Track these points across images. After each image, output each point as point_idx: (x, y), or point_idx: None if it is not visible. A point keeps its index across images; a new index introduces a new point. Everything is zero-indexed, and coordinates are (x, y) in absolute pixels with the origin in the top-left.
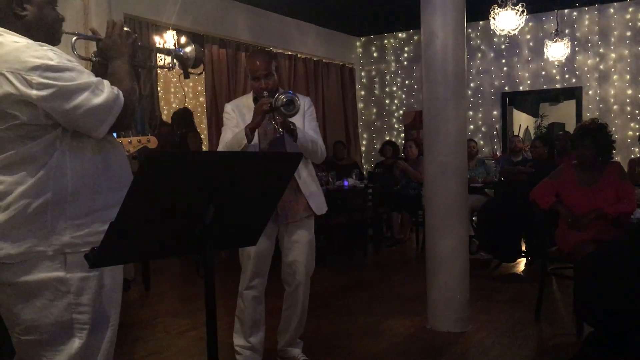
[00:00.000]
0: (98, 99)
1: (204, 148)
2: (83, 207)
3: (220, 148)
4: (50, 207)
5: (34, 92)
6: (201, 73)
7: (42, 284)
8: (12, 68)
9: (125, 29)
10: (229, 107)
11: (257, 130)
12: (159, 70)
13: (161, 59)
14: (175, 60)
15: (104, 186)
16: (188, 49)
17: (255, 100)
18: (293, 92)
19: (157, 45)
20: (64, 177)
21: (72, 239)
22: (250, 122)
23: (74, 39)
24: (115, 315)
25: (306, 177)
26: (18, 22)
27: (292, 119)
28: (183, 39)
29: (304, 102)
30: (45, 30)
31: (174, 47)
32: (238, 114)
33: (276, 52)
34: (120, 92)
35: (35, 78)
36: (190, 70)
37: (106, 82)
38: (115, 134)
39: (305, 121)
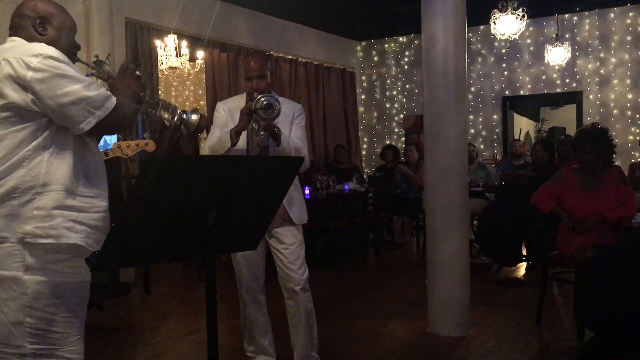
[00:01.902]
0: (90, 92)
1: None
2: (51, 201)
3: (205, 148)
4: (19, 194)
5: (30, 74)
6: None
7: None
8: (16, 54)
9: (136, 72)
10: (220, 107)
11: (246, 137)
12: (159, 74)
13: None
14: (177, 121)
15: (76, 189)
16: (193, 117)
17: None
18: (275, 97)
19: (160, 48)
20: (39, 168)
21: (35, 229)
22: (237, 124)
23: (87, 74)
24: (78, 330)
25: None
26: (38, 41)
27: (278, 124)
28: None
29: (294, 109)
30: (62, 52)
31: (179, 111)
32: (228, 114)
33: (277, 56)
34: (113, 97)
35: (34, 62)
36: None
37: (101, 87)
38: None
39: (293, 128)
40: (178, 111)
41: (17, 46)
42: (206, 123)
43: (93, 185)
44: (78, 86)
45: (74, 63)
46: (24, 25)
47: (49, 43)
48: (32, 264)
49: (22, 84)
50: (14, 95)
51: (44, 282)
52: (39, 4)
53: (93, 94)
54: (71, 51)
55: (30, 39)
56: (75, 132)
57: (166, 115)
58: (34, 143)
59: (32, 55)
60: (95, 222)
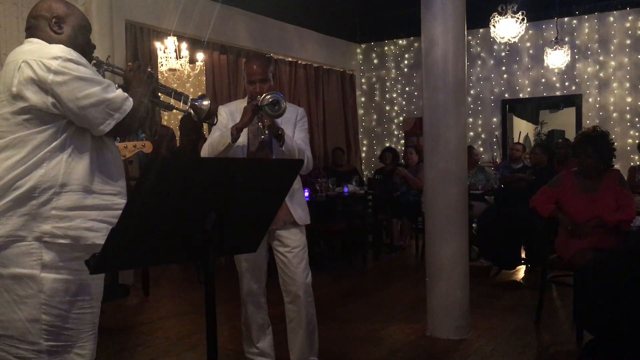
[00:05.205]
0: (109, 94)
1: None
2: (70, 201)
3: (205, 146)
4: (39, 193)
5: (51, 77)
6: (215, 124)
7: (14, 278)
8: (36, 56)
9: (148, 69)
10: (221, 110)
11: (247, 132)
12: (159, 76)
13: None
14: (189, 108)
15: (95, 188)
16: (204, 102)
17: None
18: (282, 95)
19: (160, 49)
20: (57, 168)
21: (53, 229)
22: (238, 122)
23: (101, 70)
24: (91, 327)
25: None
26: (55, 40)
27: (281, 127)
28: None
29: (296, 112)
30: (78, 51)
31: (191, 97)
32: (230, 116)
33: (277, 59)
34: (131, 99)
35: (54, 65)
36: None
37: (118, 89)
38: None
39: (296, 131)
40: (190, 98)
41: (36, 48)
42: (216, 108)
43: (112, 183)
44: (98, 88)
45: (90, 62)
46: (40, 26)
47: (65, 42)
48: (49, 262)
49: (43, 87)
50: (35, 98)
51: (60, 279)
52: (54, 4)
53: (112, 96)
54: (87, 50)
55: (47, 39)
56: (94, 134)
57: (176, 103)
58: (54, 144)
59: (52, 58)
60: (116, 219)
